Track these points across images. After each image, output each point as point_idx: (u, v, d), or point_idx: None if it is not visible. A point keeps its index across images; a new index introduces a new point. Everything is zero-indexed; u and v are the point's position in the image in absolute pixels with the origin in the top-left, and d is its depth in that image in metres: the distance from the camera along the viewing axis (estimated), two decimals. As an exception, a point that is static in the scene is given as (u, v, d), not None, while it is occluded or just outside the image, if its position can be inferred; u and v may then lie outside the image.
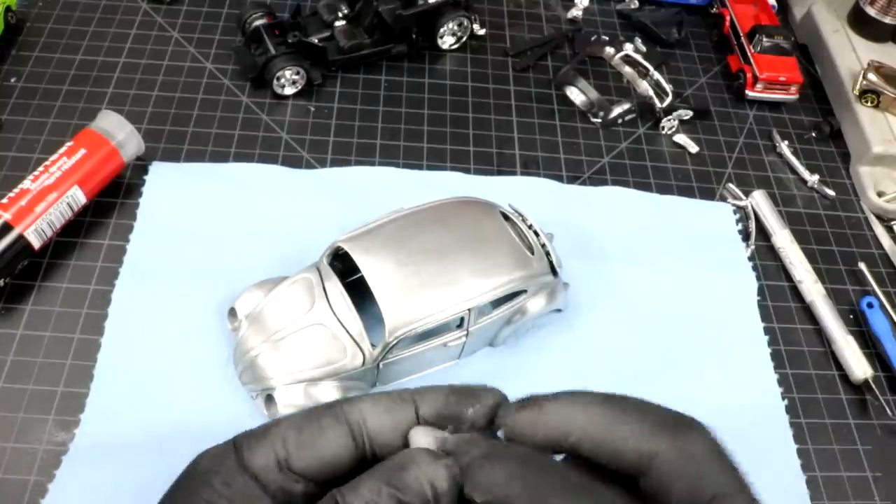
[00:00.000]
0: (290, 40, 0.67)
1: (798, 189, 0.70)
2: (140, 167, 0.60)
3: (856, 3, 0.77)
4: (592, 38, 0.77)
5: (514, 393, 0.48)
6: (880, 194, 0.69)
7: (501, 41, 0.77)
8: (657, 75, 0.73)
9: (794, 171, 0.71)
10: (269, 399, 0.47)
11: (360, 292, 0.48)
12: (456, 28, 0.73)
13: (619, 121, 0.71)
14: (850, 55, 0.75)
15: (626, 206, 0.65)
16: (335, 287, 0.49)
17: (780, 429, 0.54)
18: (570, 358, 0.55)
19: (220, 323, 0.52)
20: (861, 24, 0.77)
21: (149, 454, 0.46)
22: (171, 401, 0.49)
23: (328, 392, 0.46)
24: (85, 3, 0.72)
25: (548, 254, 0.52)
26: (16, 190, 0.53)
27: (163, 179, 0.60)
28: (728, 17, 0.78)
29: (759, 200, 0.66)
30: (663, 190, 0.67)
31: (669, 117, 0.71)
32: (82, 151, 0.55)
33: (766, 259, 0.64)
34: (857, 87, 0.71)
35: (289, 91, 0.67)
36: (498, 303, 0.50)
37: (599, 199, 0.65)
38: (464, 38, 0.74)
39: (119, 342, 0.51)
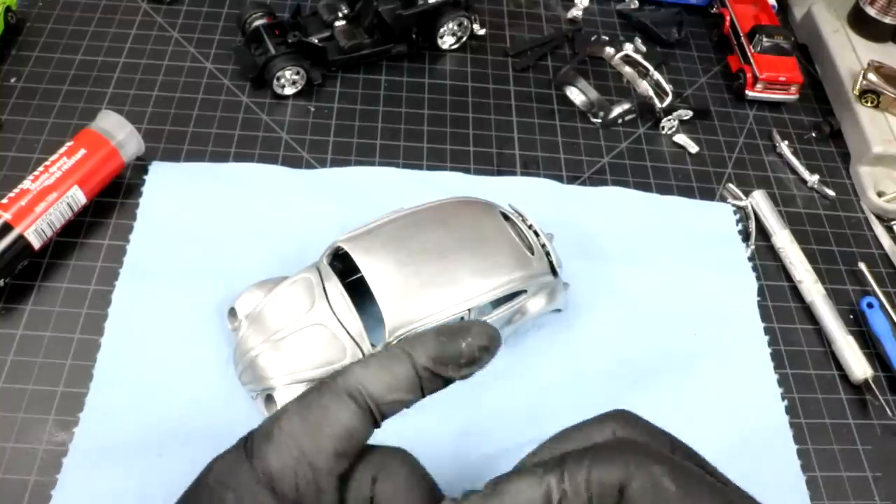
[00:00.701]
0: (290, 40, 0.67)
1: (798, 189, 0.70)
2: (140, 167, 0.60)
3: (856, 3, 0.77)
4: (592, 38, 0.77)
5: (514, 393, 0.48)
6: (880, 194, 0.69)
7: (501, 41, 0.77)
8: (657, 75, 0.73)
9: (794, 171, 0.71)
10: (269, 399, 0.47)
11: (360, 292, 0.48)
12: (456, 28, 0.73)
13: (619, 121, 0.71)
14: (850, 55, 0.75)
15: (625, 207, 0.65)
16: (335, 287, 0.49)
17: (780, 429, 0.54)
18: (570, 358, 0.55)
19: (220, 323, 0.52)
20: (861, 24, 0.77)
21: (148, 454, 0.46)
22: (171, 401, 0.49)
23: (328, 392, 0.46)
24: (85, 3, 0.72)
25: (548, 254, 0.52)
26: (16, 190, 0.53)
27: (163, 179, 0.60)
28: (728, 17, 0.78)
29: (759, 200, 0.66)
30: (663, 190, 0.67)
31: (669, 117, 0.71)
32: (82, 151, 0.55)
33: (766, 259, 0.64)
34: (857, 87, 0.71)
35: (289, 91, 0.67)
36: (498, 303, 0.50)
37: (599, 199, 0.65)
38: (464, 38, 0.74)
39: (119, 342, 0.51)
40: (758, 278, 0.62)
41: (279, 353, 0.47)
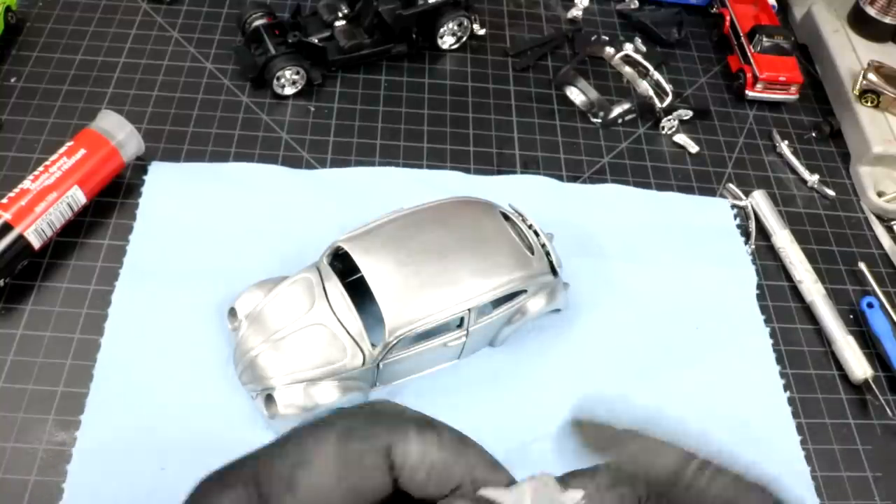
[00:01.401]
0: (290, 40, 0.67)
1: (798, 189, 0.70)
2: (140, 167, 0.60)
3: (856, 3, 0.77)
4: (592, 38, 0.77)
5: (515, 392, 0.48)
6: (880, 194, 0.69)
7: (501, 41, 0.77)
8: (657, 75, 0.73)
9: (794, 171, 0.71)
10: (269, 399, 0.47)
11: (360, 292, 0.48)
12: (456, 28, 0.73)
13: (619, 121, 0.71)
14: (850, 55, 0.75)
15: (624, 204, 0.65)
16: (335, 287, 0.49)
17: (783, 419, 0.54)
18: (570, 357, 0.55)
19: (220, 323, 0.52)
20: (861, 24, 0.77)
21: (149, 454, 0.46)
22: (172, 400, 0.49)
23: (328, 392, 0.46)
24: (85, 3, 0.72)
25: (548, 254, 0.52)
26: (16, 190, 0.53)
27: (162, 179, 0.60)
28: (728, 17, 0.78)
29: (759, 200, 0.66)
30: (663, 190, 0.67)
31: (669, 117, 0.71)
32: (82, 151, 0.55)
33: (766, 259, 0.64)
34: (857, 87, 0.71)
35: (289, 91, 0.67)
36: (498, 303, 0.50)
37: (598, 197, 0.65)
38: (464, 38, 0.74)
39: (119, 342, 0.51)
40: (758, 278, 0.62)
41: (279, 352, 0.47)
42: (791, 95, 0.74)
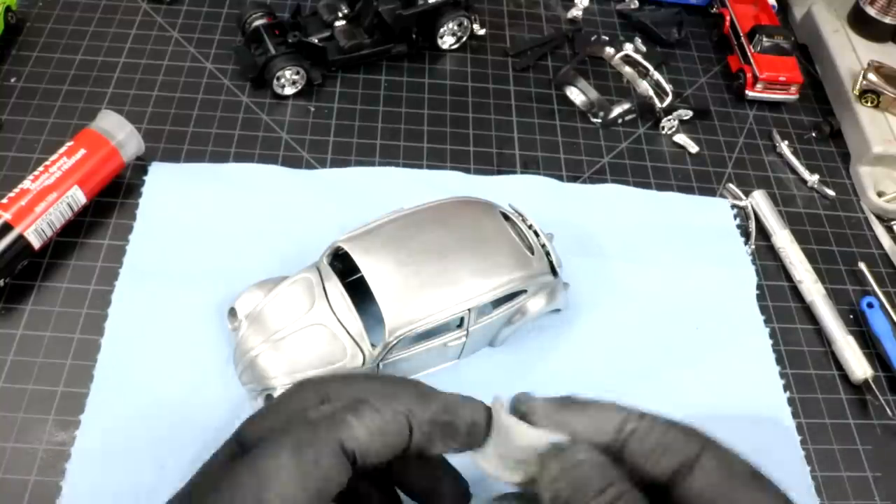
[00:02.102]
0: (290, 40, 0.67)
1: (798, 189, 0.70)
2: (140, 167, 0.60)
3: (856, 3, 0.77)
4: (592, 38, 0.77)
5: (514, 392, 0.48)
6: (880, 194, 0.69)
7: (501, 41, 0.77)
8: (657, 75, 0.73)
9: (794, 171, 0.71)
10: (269, 399, 0.47)
11: (360, 292, 0.48)
12: (456, 28, 0.73)
13: (619, 121, 0.71)
14: (850, 55, 0.75)
15: (624, 204, 0.65)
16: (335, 287, 0.49)
17: (783, 419, 0.54)
18: (570, 357, 0.55)
19: (220, 323, 0.52)
20: (861, 24, 0.77)
21: (150, 454, 0.46)
22: (171, 401, 0.49)
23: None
24: (85, 3, 0.72)
25: (548, 254, 0.52)
26: (16, 190, 0.53)
27: (162, 180, 0.60)
28: (728, 17, 0.78)
29: (759, 200, 0.66)
30: (663, 190, 0.67)
31: (669, 117, 0.71)
32: (82, 151, 0.55)
33: (766, 259, 0.64)
34: (857, 87, 0.71)
35: (289, 91, 0.67)
36: (498, 303, 0.50)
37: (598, 197, 0.65)
38: (464, 38, 0.74)
39: (119, 342, 0.51)
40: (758, 278, 0.62)
41: (279, 352, 0.47)
42: (791, 95, 0.74)
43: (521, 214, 0.54)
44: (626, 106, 0.71)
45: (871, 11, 0.76)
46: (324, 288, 0.49)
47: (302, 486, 0.26)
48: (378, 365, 0.48)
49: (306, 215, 0.59)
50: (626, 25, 0.80)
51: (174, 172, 0.61)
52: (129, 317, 0.52)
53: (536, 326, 0.55)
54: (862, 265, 0.63)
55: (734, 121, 0.74)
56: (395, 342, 0.46)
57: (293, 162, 0.63)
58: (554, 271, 0.52)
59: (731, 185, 0.68)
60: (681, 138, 0.71)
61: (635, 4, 0.82)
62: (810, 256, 0.63)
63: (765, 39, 0.74)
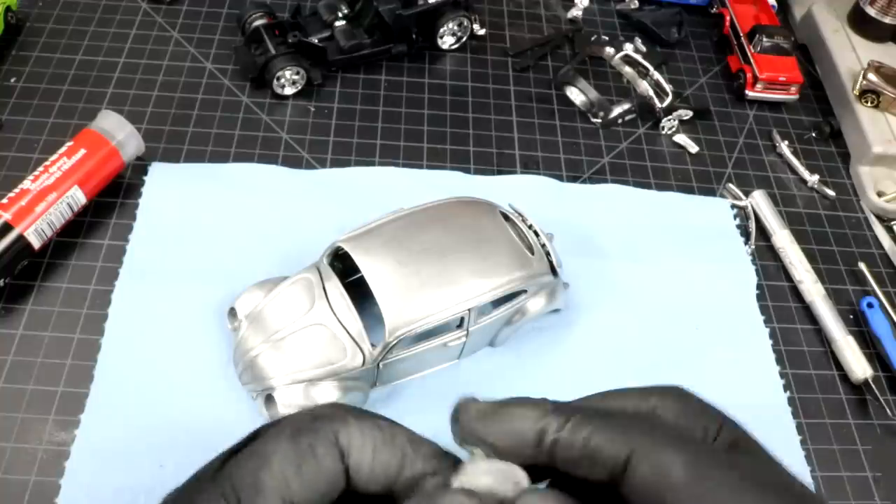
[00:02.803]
0: (290, 40, 0.67)
1: (798, 189, 0.70)
2: (140, 167, 0.60)
3: (856, 3, 0.77)
4: (592, 38, 0.77)
5: (514, 393, 0.47)
6: (880, 194, 0.69)
7: (501, 41, 0.77)
8: (657, 75, 0.73)
9: (794, 171, 0.71)
10: (269, 399, 0.47)
11: (360, 292, 0.48)
12: (456, 28, 0.73)
13: (619, 121, 0.71)
14: (850, 55, 0.75)
15: (624, 204, 0.65)
16: (335, 287, 0.49)
17: (783, 419, 0.54)
18: (570, 356, 0.55)
19: (220, 323, 0.52)
20: (861, 24, 0.77)
21: (150, 455, 0.46)
22: (171, 401, 0.49)
23: (328, 392, 0.46)
24: (85, 3, 0.72)
25: (548, 254, 0.52)
26: (16, 190, 0.53)
27: (162, 180, 0.60)
28: (728, 17, 0.78)
29: (759, 200, 0.66)
30: (663, 190, 0.67)
31: (669, 117, 0.71)
32: (82, 151, 0.55)
33: (766, 259, 0.64)
34: (857, 87, 0.71)
35: (289, 91, 0.67)
36: (498, 303, 0.50)
37: (598, 197, 0.65)
38: (464, 38, 0.74)
39: (119, 342, 0.51)
40: (758, 278, 0.62)
41: (279, 353, 0.47)
42: (791, 95, 0.74)
43: (521, 214, 0.54)
44: (626, 106, 0.70)
45: (871, 11, 0.76)
46: (324, 288, 0.49)
47: (299, 471, 0.26)
48: (378, 365, 0.48)
49: (306, 215, 0.59)
50: (626, 25, 0.80)
51: (174, 172, 0.61)
52: (129, 317, 0.52)
53: (536, 326, 0.55)
54: (862, 265, 0.63)
55: (734, 121, 0.74)
56: (395, 342, 0.46)
57: (293, 162, 0.63)
58: (554, 271, 0.52)
59: (731, 185, 0.68)
60: (681, 138, 0.71)
61: (635, 4, 0.82)
62: (810, 256, 0.63)
63: (765, 39, 0.74)
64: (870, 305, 0.60)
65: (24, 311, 0.52)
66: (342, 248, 0.48)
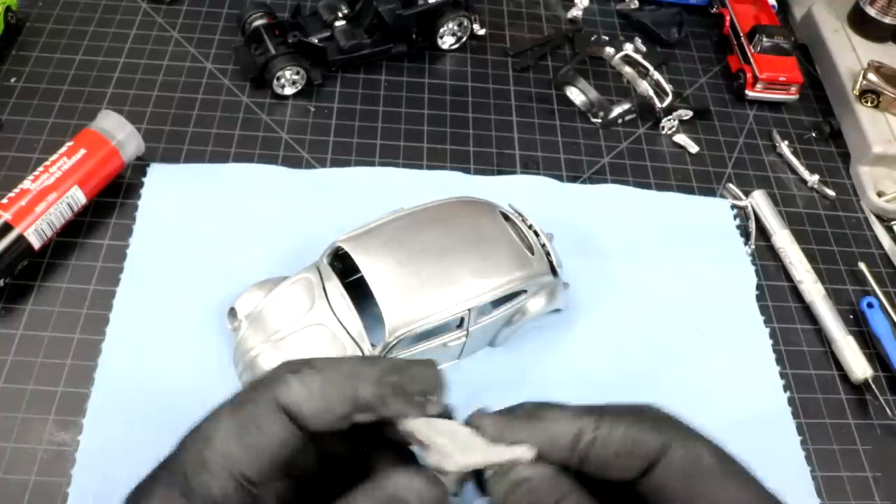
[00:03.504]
0: (290, 40, 0.67)
1: (798, 189, 0.70)
2: (140, 167, 0.60)
3: (856, 3, 0.77)
4: (592, 38, 0.77)
5: (514, 392, 0.48)
6: (880, 194, 0.69)
7: (501, 41, 0.77)
8: (657, 75, 0.73)
9: (794, 171, 0.71)
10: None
11: (360, 292, 0.48)
12: (456, 28, 0.73)
13: (619, 121, 0.71)
14: (850, 55, 0.75)
15: (624, 204, 0.65)
16: (335, 287, 0.49)
17: (783, 419, 0.54)
18: (570, 357, 0.55)
19: (220, 323, 0.52)
20: (861, 24, 0.77)
21: (149, 453, 0.46)
22: (171, 401, 0.49)
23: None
24: (85, 3, 0.72)
25: (548, 254, 0.52)
26: (16, 190, 0.53)
27: (162, 180, 0.60)
28: (728, 17, 0.78)
29: (759, 200, 0.66)
30: (663, 190, 0.67)
31: (669, 117, 0.71)
32: (82, 151, 0.55)
33: (766, 259, 0.64)
34: (857, 87, 0.71)
35: (289, 91, 0.67)
36: (498, 303, 0.50)
37: (598, 197, 0.65)
38: (464, 38, 0.74)
39: (119, 342, 0.51)
40: (758, 278, 0.62)
41: (279, 353, 0.47)
42: (791, 95, 0.74)
43: (521, 214, 0.54)
44: (626, 106, 0.70)
45: (871, 11, 0.76)
46: (324, 288, 0.49)
47: (241, 442, 0.27)
48: (378, 365, 0.48)
49: (306, 215, 0.59)
50: (626, 25, 0.80)
51: (174, 173, 0.61)
52: (130, 317, 0.52)
53: (536, 326, 0.55)
54: (862, 265, 0.63)
55: (734, 121, 0.74)
56: (395, 342, 0.46)
57: (293, 162, 0.63)
58: (554, 271, 0.52)
59: (731, 185, 0.68)
60: (681, 138, 0.71)
61: (635, 4, 0.82)
62: (810, 256, 0.63)
63: (765, 39, 0.74)
64: (870, 305, 0.60)
65: (24, 311, 0.52)
66: (342, 248, 0.48)
